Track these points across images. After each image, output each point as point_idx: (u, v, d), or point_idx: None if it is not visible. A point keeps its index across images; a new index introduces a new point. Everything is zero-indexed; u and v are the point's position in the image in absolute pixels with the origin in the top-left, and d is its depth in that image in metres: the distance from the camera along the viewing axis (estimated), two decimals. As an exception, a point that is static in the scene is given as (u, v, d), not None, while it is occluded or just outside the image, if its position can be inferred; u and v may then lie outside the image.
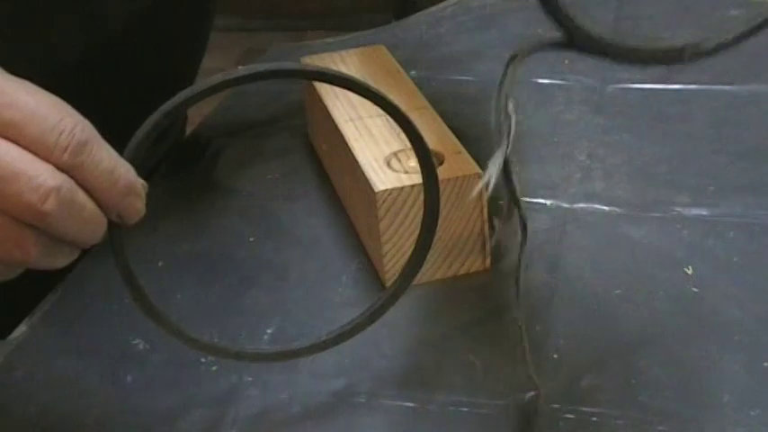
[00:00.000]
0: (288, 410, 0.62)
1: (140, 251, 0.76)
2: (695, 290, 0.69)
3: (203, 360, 0.66)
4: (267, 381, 0.64)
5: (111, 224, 0.52)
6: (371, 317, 0.61)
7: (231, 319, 0.69)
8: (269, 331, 0.68)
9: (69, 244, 0.52)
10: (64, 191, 0.49)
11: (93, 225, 0.51)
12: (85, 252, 0.74)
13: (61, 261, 0.52)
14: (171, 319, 0.57)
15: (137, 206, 0.52)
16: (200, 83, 0.52)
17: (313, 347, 0.61)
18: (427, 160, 0.59)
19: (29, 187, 0.48)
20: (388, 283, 0.70)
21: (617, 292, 0.69)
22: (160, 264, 0.75)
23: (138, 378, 0.65)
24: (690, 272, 0.70)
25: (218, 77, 0.52)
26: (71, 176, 0.49)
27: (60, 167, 0.49)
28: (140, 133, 0.52)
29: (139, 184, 0.52)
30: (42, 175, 0.48)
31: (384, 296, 0.61)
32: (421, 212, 0.69)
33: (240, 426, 0.62)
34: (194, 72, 0.93)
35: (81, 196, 0.50)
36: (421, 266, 0.61)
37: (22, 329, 0.70)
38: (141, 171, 0.53)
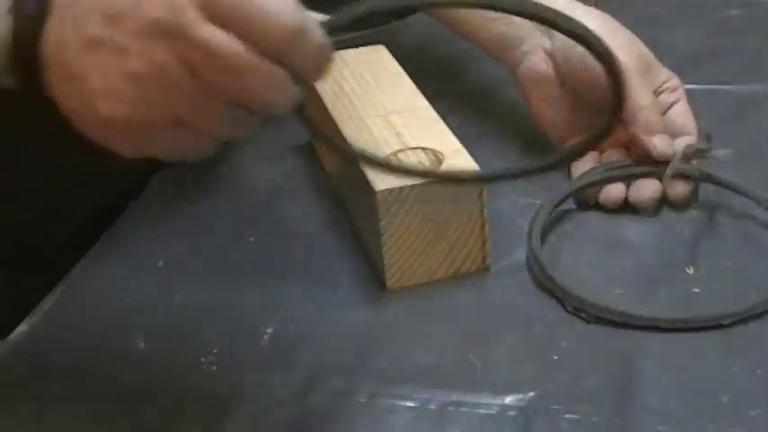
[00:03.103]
0: (288, 410, 0.62)
1: (140, 251, 0.77)
2: (695, 290, 0.69)
3: (203, 360, 0.66)
4: (267, 381, 0.64)
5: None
6: (559, 162, 0.60)
7: (231, 319, 0.69)
8: (269, 331, 0.68)
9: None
10: None
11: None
12: (85, 251, 0.75)
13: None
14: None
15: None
16: None
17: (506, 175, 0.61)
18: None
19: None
20: (389, 283, 0.70)
21: (617, 291, 0.69)
22: (160, 264, 0.75)
23: (138, 378, 0.65)
24: (690, 272, 0.70)
25: None
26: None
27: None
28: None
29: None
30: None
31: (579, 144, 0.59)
32: (421, 212, 0.69)
33: (240, 426, 0.62)
34: None
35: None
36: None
37: (22, 329, 0.70)
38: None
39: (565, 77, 0.81)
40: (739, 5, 1.05)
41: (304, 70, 0.52)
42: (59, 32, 0.53)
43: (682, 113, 0.80)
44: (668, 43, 0.89)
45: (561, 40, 0.78)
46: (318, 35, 0.52)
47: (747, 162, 0.80)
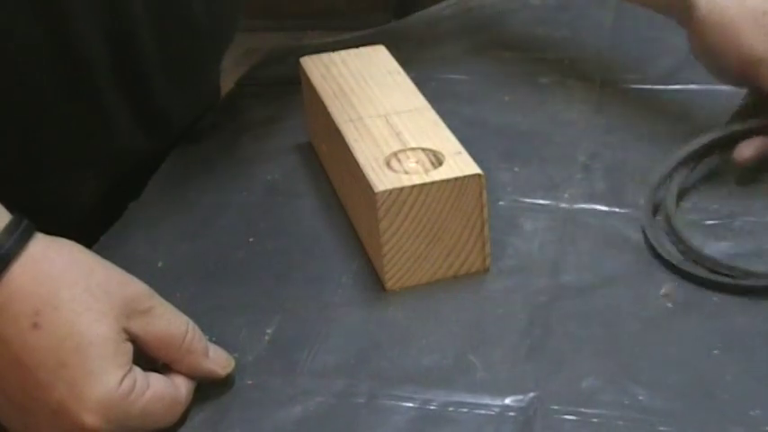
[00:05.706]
0: (288, 410, 0.62)
1: (140, 251, 0.77)
2: (696, 290, 0.69)
3: (203, 360, 0.66)
4: (267, 381, 0.64)
5: None
6: None
7: (231, 319, 0.69)
8: (269, 331, 0.68)
9: None
10: None
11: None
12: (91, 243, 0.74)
13: None
14: None
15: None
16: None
17: None
18: None
19: None
20: (388, 283, 0.70)
21: (617, 292, 0.69)
22: (160, 264, 0.75)
23: (138, 378, 0.65)
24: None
25: None
26: None
27: None
28: None
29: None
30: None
31: None
32: (420, 213, 0.69)
33: (240, 426, 0.62)
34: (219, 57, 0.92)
35: None
36: None
37: (22, 329, 0.70)
38: None
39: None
40: (739, 5, 1.05)
41: None
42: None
43: None
44: (668, 43, 0.89)
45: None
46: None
47: (747, 162, 0.80)
